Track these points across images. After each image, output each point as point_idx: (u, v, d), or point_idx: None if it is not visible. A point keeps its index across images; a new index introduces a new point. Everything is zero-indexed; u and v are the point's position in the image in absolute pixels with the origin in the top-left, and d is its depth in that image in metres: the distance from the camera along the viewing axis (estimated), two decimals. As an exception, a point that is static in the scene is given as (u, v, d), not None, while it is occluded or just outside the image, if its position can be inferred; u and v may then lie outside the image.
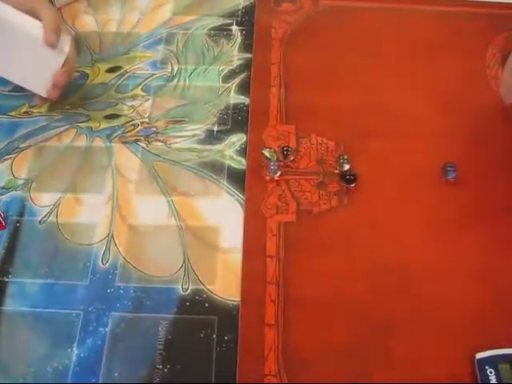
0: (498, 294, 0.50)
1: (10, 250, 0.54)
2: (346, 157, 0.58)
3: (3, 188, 0.58)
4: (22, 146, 0.62)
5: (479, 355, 0.46)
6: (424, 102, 0.64)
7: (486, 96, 0.64)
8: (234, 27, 0.73)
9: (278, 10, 0.74)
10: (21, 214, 0.56)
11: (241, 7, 0.75)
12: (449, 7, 0.73)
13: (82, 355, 0.48)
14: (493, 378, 0.45)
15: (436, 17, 0.72)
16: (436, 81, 0.66)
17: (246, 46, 0.70)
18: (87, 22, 0.74)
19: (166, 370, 0.47)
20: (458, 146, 0.60)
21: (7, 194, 0.58)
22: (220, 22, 0.74)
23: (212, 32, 0.72)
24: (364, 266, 0.52)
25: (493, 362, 0.46)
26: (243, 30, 0.72)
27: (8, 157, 0.61)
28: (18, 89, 0.64)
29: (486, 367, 0.46)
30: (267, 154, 0.58)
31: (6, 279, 0.52)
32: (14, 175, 0.59)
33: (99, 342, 0.49)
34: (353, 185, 0.57)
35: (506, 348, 0.46)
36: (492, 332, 0.48)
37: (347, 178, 0.57)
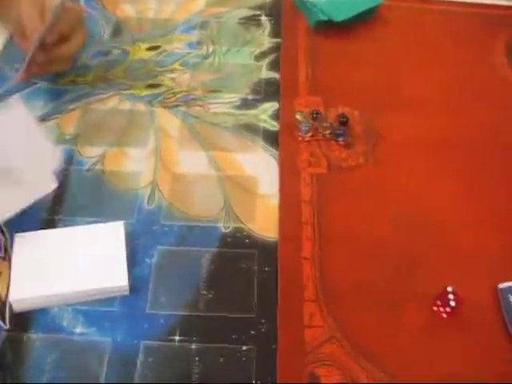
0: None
1: (60, 193, 0.57)
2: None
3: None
4: (69, 107, 0.66)
5: (502, 285, 0.50)
6: (437, 82, 0.70)
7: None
8: (263, 17, 0.79)
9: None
10: (68, 164, 0.60)
11: (268, 0, 0.82)
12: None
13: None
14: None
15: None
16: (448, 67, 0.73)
17: (275, 33, 0.77)
18: (127, 10, 0.80)
19: (210, 296, 0.50)
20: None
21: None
22: (250, 13, 0.80)
23: (243, 21, 0.79)
24: (389, 210, 0.57)
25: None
26: (271, 19, 0.79)
27: (55, 116, 0.65)
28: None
29: (509, 295, 0.50)
30: (299, 117, 0.64)
31: (56, 217, 0.56)
32: (61, 131, 0.64)
33: (145, 272, 0.52)
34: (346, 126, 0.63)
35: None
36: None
37: (341, 120, 0.63)
